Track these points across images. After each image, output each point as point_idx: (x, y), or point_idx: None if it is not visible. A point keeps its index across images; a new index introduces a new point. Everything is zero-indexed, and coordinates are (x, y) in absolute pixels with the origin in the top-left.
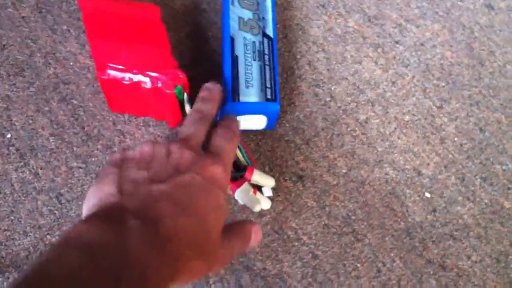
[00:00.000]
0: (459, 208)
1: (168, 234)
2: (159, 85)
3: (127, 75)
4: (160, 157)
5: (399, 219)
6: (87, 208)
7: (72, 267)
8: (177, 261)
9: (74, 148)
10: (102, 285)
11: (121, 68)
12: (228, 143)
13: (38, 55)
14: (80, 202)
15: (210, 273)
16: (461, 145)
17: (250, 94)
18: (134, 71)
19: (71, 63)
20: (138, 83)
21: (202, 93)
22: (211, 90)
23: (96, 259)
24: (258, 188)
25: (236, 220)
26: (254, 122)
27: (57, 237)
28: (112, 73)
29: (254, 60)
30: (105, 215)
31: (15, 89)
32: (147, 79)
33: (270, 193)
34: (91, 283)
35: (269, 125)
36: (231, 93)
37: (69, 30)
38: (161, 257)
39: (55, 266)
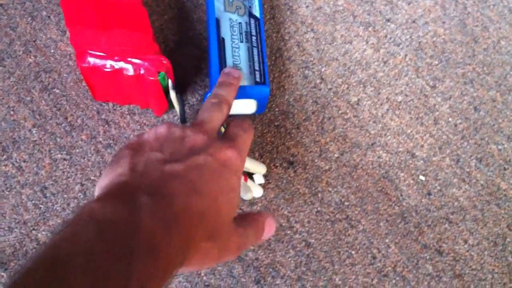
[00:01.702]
0: (454, 190)
1: (179, 212)
2: (142, 72)
3: (108, 62)
4: (174, 138)
5: (393, 204)
6: (99, 188)
7: (85, 244)
8: (188, 241)
9: (58, 139)
10: (113, 260)
11: (102, 55)
12: (244, 132)
13: (18, 43)
14: (65, 195)
15: (221, 261)
16: (455, 125)
17: None
18: (116, 58)
19: (52, 51)
20: (120, 70)
21: (220, 78)
22: (229, 75)
23: (108, 235)
24: (249, 175)
25: (248, 211)
26: (244, 106)
27: (43, 232)
28: (93, 60)
29: (241, 42)
30: (117, 192)
31: None
32: (129, 66)
33: (262, 180)
34: (103, 258)
35: (260, 109)
36: (218, 76)
37: (49, 17)
38: (172, 234)
39: (68, 243)
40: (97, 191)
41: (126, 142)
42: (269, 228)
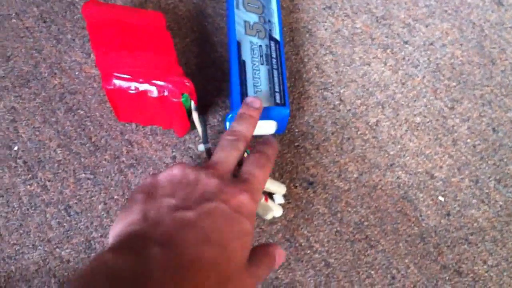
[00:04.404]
0: (473, 211)
1: (190, 262)
2: (166, 93)
3: (133, 84)
4: (188, 182)
5: (412, 224)
6: (113, 234)
7: None
8: None
9: (82, 159)
10: None
11: (127, 78)
12: (260, 169)
13: (43, 65)
14: (89, 214)
15: None
16: (474, 146)
17: None
18: (140, 80)
19: (76, 73)
20: (144, 92)
21: (241, 109)
22: (250, 105)
23: (120, 287)
24: (269, 195)
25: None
26: (264, 127)
27: (66, 250)
28: (118, 82)
29: (262, 64)
30: (129, 243)
31: (21, 101)
32: (153, 88)
33: (282, 200)
34: None
35: (279, 130)
36: (240, 98)
37: (74, 40)
38: (183, 285)
39: None
40: (110, 238)
41: (141, 183)
42: (279, 258)
